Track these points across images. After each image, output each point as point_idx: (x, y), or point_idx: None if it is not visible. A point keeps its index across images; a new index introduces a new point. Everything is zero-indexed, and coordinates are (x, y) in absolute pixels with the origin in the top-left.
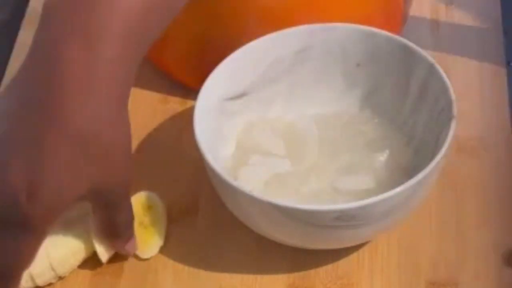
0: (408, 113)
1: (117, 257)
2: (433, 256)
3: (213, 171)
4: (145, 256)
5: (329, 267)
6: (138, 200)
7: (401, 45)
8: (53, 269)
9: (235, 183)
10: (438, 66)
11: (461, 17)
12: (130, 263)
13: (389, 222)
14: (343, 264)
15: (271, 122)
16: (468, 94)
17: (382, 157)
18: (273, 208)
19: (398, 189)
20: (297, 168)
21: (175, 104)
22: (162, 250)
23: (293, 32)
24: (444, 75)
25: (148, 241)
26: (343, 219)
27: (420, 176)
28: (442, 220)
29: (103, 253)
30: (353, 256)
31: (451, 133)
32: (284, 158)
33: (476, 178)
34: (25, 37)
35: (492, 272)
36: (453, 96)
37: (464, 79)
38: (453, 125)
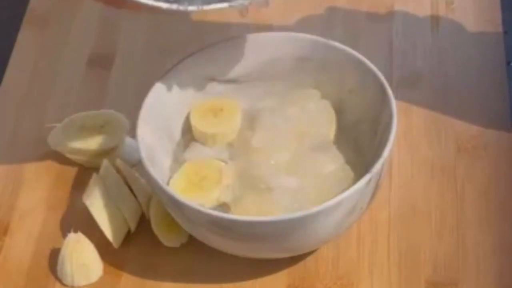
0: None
1: (117, 257)
2: (433, 256)
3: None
4: (171, 244)
5: (329, 267)
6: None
7: (380, 83)
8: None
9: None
10: (395, 121)
11: (461, 17)
12: (130, 263)
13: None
14: (343, 264)
15: (249, 111)
16: (468, 94)
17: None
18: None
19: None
20: (233, 163)
21: None
22: (162, 251)
23: (296, 37)
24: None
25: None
26: (215, 225)
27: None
28: (442, 220)
29: None
30: (353, 256)
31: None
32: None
33: (476, 178)
34: (25, 37)
35: (492, 272)
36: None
37: (464, 79)
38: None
